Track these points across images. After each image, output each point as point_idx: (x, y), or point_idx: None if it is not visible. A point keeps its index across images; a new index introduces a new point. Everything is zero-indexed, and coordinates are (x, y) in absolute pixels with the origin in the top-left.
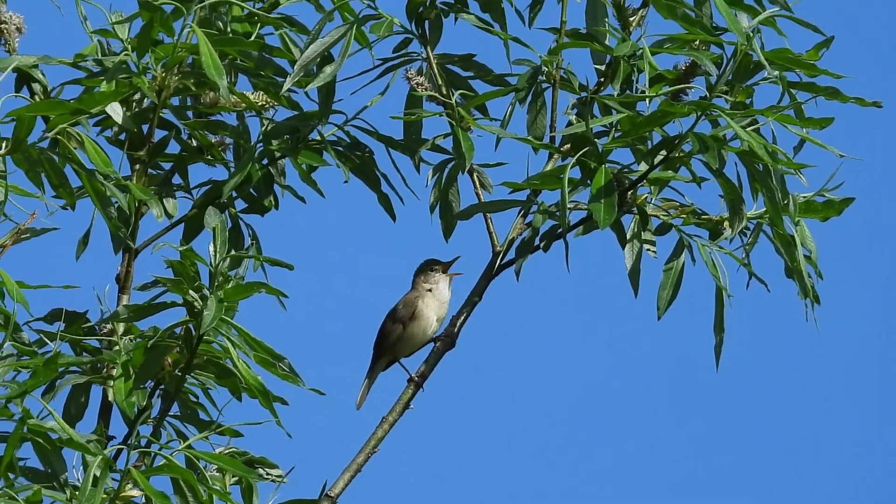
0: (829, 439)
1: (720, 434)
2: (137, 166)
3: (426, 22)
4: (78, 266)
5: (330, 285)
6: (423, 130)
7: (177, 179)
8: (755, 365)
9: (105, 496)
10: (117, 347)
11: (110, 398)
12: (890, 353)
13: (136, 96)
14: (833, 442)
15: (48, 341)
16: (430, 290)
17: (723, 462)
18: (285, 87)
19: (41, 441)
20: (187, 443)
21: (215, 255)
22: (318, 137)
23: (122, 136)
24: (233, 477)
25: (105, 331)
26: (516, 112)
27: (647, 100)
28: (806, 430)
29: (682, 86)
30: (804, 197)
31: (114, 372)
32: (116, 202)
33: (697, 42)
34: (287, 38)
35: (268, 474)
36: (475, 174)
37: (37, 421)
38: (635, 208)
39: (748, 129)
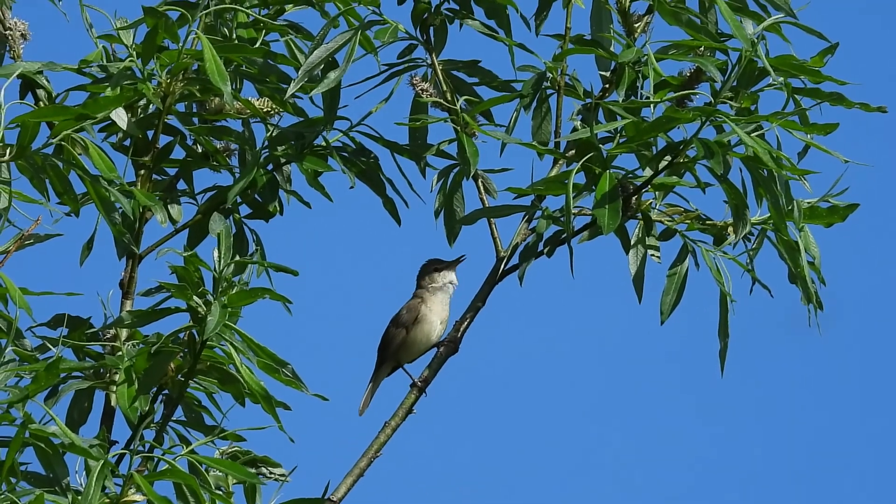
0: (831, 444)
1: (724, 439)
2: (142, 172)
3: (431, 28)
4: (82, 272)
5: (335, 291)
6: (429, 136)
7: (181, 185)
8: (759, 370)
9: (108, 501)
10: (120, 353)
11: (113, 403)
12: (893, 358)
13: (141, 102)
14: (836, 446)
15: (51, 347)
16: (434, 293)
17: (726, 467)
18: (289, 92)
19: (43, 446)
20: (190, 447)
21: (219, 261)
22: (324, 143)
23: (127, 142)
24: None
25: (108, 336)
26: (521, 118)
27: (652, 105)
28: (809, 435)
29: (687, 92)
30: (808, 203)
31: (117, 377)
32: (120, 208)
33: (702, 48)
34: (292, 45)
35: (270, 473)
36: (480, 179)
37: (39, 426)
38: (639, 214)
39: (753, 134)
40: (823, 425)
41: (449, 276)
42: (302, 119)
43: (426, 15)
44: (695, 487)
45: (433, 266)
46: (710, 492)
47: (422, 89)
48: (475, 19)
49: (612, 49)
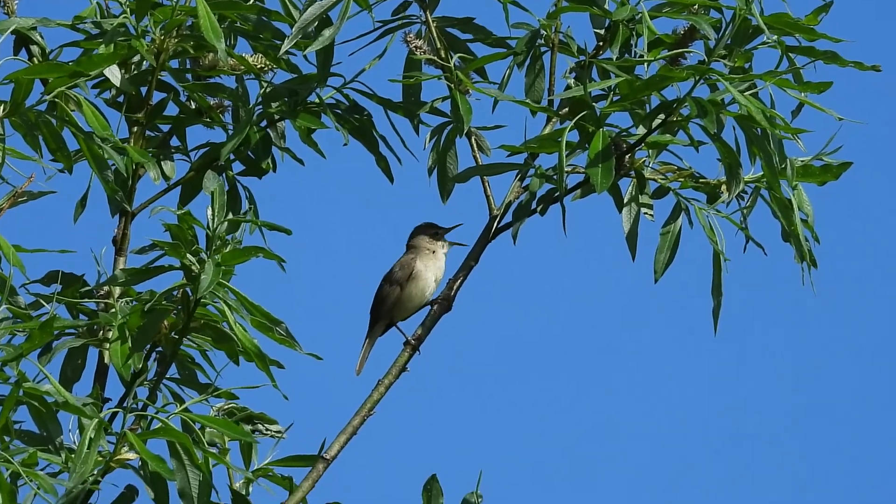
0: (823, 402)
1: (715, 397)
2: (135, 129)
3: None
4: (75, 229)
5: (328, 248)
6: (422, 93)
7: (175, 142)
8: (752, 328)
9: (101, 459)
10: (114, 310)
11: (106, 361)
12: (887, 316)
13: (135, 59)
14: (827, 406)
15: (44, 304)
16: (428, 252)
17: (717, 426)
18: (283, 49)
19: (37, 404)
20: (183, 406)
21: (213, 219)
22: (317, 100)
23: (121, 99)
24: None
25: (102, 293)
26: (515, 75)
27: (646, 64)
28: (801, 393)
29: (681, 50)
30: (802, 161)
31: (110, 335)
32: (114, 165)
33: (696, 6)
34: (286, 1)
35: (266, 430)
36: (473, 137)
37: (32, 384)
38: (633, 172)
39: (746, 93)
40: (817, 386)
41: (444, 245)
42: (295, 76)
43: None
44: (686, 447)
45: (432, 229)
46: (703, 454)
47: (416, 46)
48: None
49: (606, 6)
